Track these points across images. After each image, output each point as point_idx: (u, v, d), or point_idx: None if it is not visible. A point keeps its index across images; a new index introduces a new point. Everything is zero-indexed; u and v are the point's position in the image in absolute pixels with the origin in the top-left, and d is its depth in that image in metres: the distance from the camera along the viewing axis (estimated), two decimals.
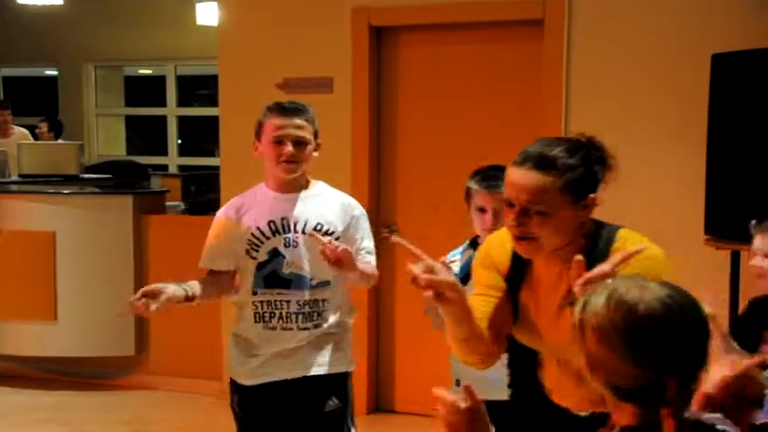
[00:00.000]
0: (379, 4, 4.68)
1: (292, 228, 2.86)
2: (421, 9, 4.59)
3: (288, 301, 2.85)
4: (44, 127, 8.50)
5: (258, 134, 2.88)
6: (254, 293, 2.87)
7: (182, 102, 9.76)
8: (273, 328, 2.85)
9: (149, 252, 5.36)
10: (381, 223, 4.79)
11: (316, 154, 2.93)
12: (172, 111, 9.77)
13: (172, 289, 2.66)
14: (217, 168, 5.30)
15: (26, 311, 5.40)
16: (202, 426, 4.79)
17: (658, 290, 1.38)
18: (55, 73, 10.12)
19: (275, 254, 2.85)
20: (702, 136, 3.79)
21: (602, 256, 1.92)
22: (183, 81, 9.88)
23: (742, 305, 3.75)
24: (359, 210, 2.98)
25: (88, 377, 5.50)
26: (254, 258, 2.87)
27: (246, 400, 2.92)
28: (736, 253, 3.72)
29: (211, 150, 9.07)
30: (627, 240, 1.98)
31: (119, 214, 5.43)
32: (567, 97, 4.32)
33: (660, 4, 4.19)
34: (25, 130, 8.44)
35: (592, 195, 1.97)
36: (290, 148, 2.82)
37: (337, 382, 2.91)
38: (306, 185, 2.95)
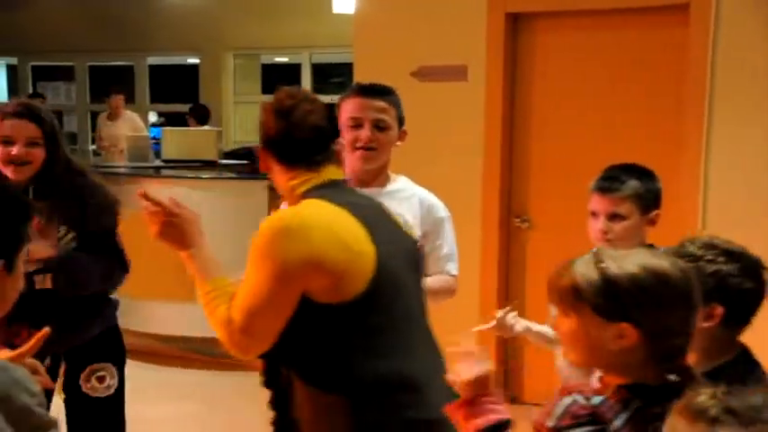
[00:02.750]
0: None
1: None
2: None
3: None
4: (193, 122, 8.83)
5: None
6: None
7: (316, 89, 9.91)
8: None
9: None
10: (512, 214, 4.72)
11: (399, 144, 2.57)
12: None
13: None
14: None
15: (167, 292, 5.61)
16: None
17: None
18: (197, 61, 10.47)
19: None
20: None
21: None
22: (317, 69, 10.04)
23: None
24: (444, 212, 2.65)
25: (225, 357, 5.65)
26: None
27: None
28: None
29: None
30: None
31: (255, 198, 5.56)
32: (712, 85, 4.13)
33: None
34: (134, 114, 8.96)
35: None
36: (367, 131, 2.48)
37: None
38: (386, 181, 2.57)
